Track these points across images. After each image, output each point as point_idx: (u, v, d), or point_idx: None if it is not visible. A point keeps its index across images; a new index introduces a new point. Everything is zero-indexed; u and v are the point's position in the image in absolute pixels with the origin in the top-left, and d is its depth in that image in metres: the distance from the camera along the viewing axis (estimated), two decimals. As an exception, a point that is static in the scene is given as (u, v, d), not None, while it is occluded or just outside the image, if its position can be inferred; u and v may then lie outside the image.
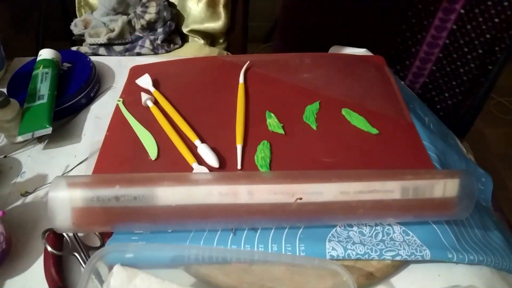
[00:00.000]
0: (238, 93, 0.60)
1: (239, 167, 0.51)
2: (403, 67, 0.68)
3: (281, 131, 0.55)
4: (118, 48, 0.76)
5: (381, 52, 0.66)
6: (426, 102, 0.71)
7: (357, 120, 0.56)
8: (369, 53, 0.70)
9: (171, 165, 0.51)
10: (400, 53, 0.73)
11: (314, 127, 0.56)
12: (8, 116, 0.55)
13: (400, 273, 0.43)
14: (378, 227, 0.45)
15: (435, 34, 0.67)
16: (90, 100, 0.65)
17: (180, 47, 0.80)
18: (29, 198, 0.51)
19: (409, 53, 0.72)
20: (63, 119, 0.62)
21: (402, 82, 0.68)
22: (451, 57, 0.68)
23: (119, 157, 0.53)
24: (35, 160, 0.56)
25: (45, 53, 0.64)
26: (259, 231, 0.45)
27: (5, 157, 0.56)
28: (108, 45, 0.76)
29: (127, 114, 0.58)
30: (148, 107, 0.59)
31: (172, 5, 0.93)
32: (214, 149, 0.52)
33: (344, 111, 0.57)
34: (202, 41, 0.98)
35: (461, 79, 0.71)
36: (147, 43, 0.75)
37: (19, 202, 0.51)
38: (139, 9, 0.77)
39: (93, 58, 0.69)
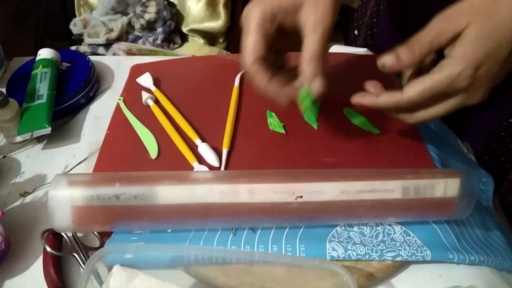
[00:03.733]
0: (231, 97, 0.59)
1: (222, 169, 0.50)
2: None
3: (282, 131, 0.55)
4: (117, 47, 0.76)
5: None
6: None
7: (358, 120, 0.56)
8: (370, 53, 0.70)
9: (172, 164, 0.51)
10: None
11: (315, 126, 0.55)
12: (7, 116, 0.55)
13: (400, 274, 0.43)
14: (378, 228, 0.45)
15: None
16: (89, 100, 0.64)
17: (180, 46, 0.80)
18: (28, 199, 0.51)
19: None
20: (62, 119, 0.61)
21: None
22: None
23: (120, 155, 0.53)
24: (34, 160, 0.56)
25: (44, 53, 0.63)
26: (259, 231, 0.44)
27: (4, 157, 0.56)
28: (108, 45, 0.76)
29: (128, 113, 0.58)
30: (149, 105, 0.59)
31: (172, 5, 0.93)
32: (215, 149, 0.52)
33: (346, 111, 0.57)
34: (202, 41, 0.98)
35: None
36: (147, 43, 0.75)
37: (18, 203, 0.51)
38: (138, 9, 0.77)
39: (92, 57, 0.69)
